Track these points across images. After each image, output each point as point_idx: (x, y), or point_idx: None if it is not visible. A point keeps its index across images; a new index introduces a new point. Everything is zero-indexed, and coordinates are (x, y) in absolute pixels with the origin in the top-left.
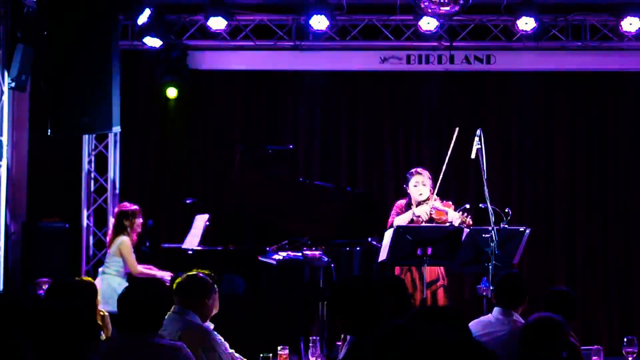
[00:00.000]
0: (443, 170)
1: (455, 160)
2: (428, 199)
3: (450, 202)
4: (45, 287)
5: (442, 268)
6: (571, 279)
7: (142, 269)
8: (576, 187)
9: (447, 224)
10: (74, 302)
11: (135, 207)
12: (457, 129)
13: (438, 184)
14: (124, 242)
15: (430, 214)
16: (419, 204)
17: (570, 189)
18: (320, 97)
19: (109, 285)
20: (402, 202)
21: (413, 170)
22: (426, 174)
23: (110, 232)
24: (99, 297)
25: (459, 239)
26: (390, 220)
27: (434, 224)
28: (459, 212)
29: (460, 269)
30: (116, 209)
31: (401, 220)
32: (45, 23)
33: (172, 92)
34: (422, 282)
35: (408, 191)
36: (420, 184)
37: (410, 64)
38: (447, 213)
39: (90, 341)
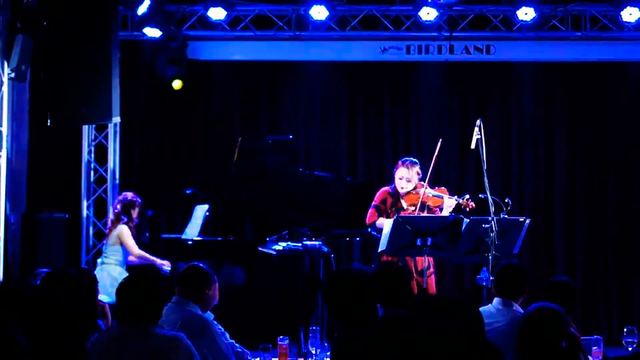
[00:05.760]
0: (427, 179)
1: (454, 151)
2: (416, 187)
3: (444, 188)
4: None
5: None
6: (571, 269)
7: (142, 252)
8: (576, 177)
9: (447, 213)
10: (72, 292)
11: (140, 199)
12: (440, 140)
13: (427, 178)
14: (123, 228)
15: (425, 201)
16: (405, 193)
17: (570, 179)
18: (320, 87)
19: (110, 274)
20: (386, 189)
21: (403, 160)
22: (414, 169)
23: (112, 220)
24: (99, 288)
25: (459, 229)
26: (371, 211)
27: (431, 214)
28: (466, 197)
29: (460, 259)
30: (122, 198)
31: (384, 222)
32: (45, 14)
33: (177, 84)
34: (417, 271)
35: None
36: (404, 179)
37: (410, 54)
38: (442, 198)
39: (88, 331)
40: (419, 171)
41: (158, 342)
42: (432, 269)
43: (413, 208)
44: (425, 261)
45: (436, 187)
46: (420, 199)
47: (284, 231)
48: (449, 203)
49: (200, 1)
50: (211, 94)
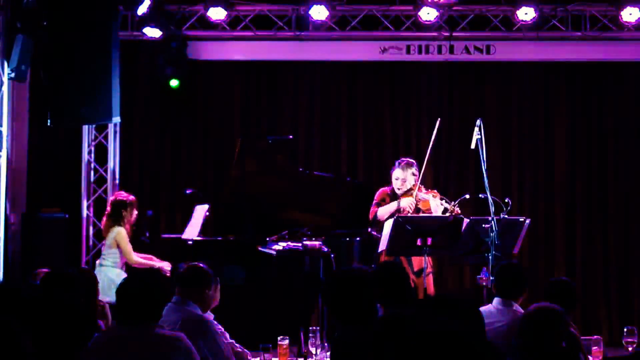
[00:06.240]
0: (426, 160)
1: (455, 151)
2: (412, 188)
3: (436, 191)
4: None
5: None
6: (571, 269)
7: (139, 258)
8: (576, 177)
9: (443, 214)
10: (72, 292)
11: (132, 197)
12: (439, 119)
13: (421, 174)
14: (120, 232)
15: (417, 204)
16: (401, 194)
17: (570, 179)
18: (320, 87)
19: (107, 276)
20: (385, 189)
21: (400, 161)
22: (410, 170)
23: (104, 220)
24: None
25: (459, 229)
26: (372, 208)
27: (426, 214)
28: (453, 203)
29: (460, 259)
30: (112, 198)
31: (385, 211)
32: (45, 13)
33: (174, 83)
34: (413, 272)
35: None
36: (399, 180)
37: (410, 54)
38: (428, 201)
39: (89, 331)
40: (416, 172)
41: (158, 342)
42: (430, 269)
43: (410, 209)
44: (424, 261)
45: (428, 190)
46: (414, 200)
47: (284, 231)
48: (434, 207)
49: (200, 1)
50: (211, 94)
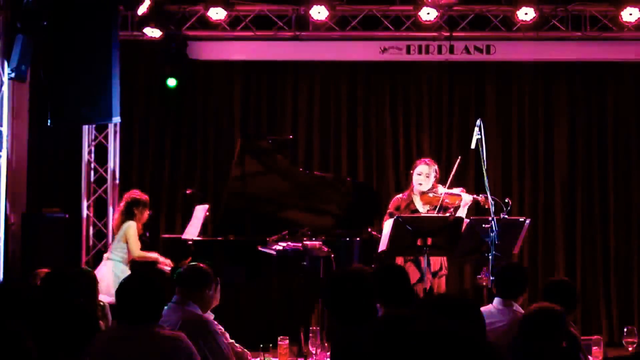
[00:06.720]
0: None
1: (454, 150)
2: (433, 187)
3: (463, 188)
4: None
5: (444, 258)
6: (571, 269)
7: (143, 253)
8: (576, 177)
9: (465, 210)
10: (72, 292)
11: (145, 197)
12: (459, 157)
13: (450, 178)
14: (131, 225)
15: (443, 201)
16: (422, 193)
17: (570, 179)
18: (320, 87)
19: (112, 272)
20: (399, 196)
21: (423, 158)
22: (433, 166)
23: (117, 217)
24: (100, 285)
25: (459, 230)
26: (385, 218)
27: (438, 213)
28: (483, 195)
29: (461, 259)
30: (127, 195)
31: (386, 230)
32: (45, 13)
33: (171, 82)
34: (431, 273)
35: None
36: (423, 175)
37: (410, 54)
38: (460, 195)
39: (90, 331)
40: (438, 170)
41: (158, 342)
42: (444, 271)
43: (428, 208)
44: (439, 262)
45: (454, 187)
46: (440, 200)
47: (284, 231)
48: (466, 199)
49: (200, 1)
50: (211, 94)
